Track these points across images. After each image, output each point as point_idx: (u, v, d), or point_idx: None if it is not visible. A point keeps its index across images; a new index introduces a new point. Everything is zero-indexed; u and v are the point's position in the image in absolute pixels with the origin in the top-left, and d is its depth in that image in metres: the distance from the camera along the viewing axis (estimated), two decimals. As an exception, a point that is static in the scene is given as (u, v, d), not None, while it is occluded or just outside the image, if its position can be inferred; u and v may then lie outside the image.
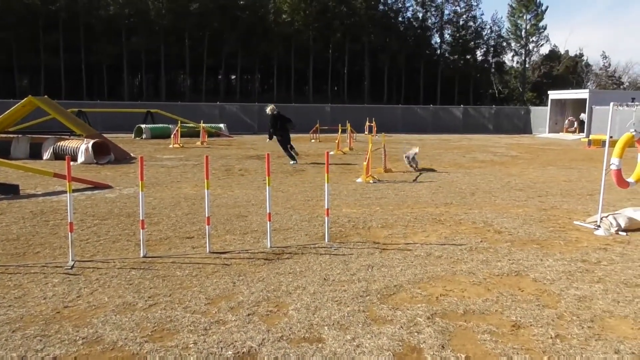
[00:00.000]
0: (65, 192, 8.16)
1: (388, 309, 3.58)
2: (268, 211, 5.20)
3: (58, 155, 13.77)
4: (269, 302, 3.71)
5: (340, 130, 18.92)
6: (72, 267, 4.45)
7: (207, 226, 4.97)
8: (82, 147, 13.23)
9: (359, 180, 10.27)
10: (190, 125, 23.88)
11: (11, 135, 14.57)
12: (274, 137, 13.52)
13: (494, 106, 39.71)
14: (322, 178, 9.04)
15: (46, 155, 13.90)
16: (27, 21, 44.62)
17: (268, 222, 5.22)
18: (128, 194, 8.52)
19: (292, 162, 13.47)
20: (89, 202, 7.68)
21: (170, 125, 25.67)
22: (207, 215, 4.96)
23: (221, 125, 27.43)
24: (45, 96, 15.94)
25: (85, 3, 45.48)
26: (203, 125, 21.66)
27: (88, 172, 11.05)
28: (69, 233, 4.56)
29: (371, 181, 10.12)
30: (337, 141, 17.31)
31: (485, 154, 17.12)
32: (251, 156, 15.72)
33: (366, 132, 26.87)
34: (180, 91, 55.02)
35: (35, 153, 14.03)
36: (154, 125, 25.00)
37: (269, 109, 13.66)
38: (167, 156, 15.37)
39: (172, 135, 20.20)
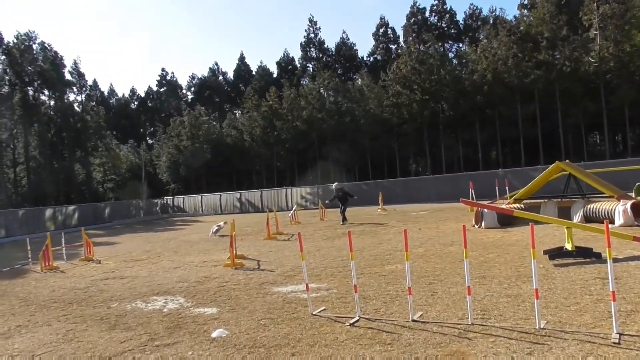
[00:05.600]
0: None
1: None
2: None
3: (589, 218, 13.65)
4: None
5: None
6: None
7: None
8: (619, 208, 12.60)
9: None
10: None
11: (539, 200, 15.53)
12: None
13: None
14: None
15: (576, 218, 13.96)
16: (507, 98, 49.42)
17: None
18: None
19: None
20: None
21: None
22: None
23: None
24: (567, 160, 16.42)
25: (558, 69, 46.27)
26: None
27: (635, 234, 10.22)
28: None
29: None
30: None
31: None
32: None
33: None
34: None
35: (563, 216, 14.33)
36: (663, 183, 21.96)
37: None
38: None
39: None
